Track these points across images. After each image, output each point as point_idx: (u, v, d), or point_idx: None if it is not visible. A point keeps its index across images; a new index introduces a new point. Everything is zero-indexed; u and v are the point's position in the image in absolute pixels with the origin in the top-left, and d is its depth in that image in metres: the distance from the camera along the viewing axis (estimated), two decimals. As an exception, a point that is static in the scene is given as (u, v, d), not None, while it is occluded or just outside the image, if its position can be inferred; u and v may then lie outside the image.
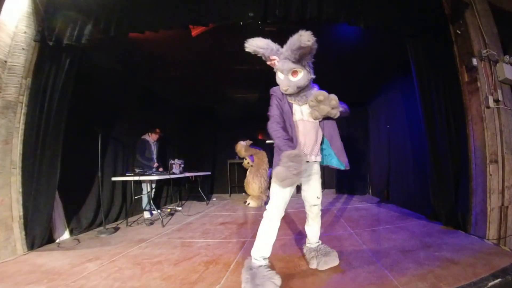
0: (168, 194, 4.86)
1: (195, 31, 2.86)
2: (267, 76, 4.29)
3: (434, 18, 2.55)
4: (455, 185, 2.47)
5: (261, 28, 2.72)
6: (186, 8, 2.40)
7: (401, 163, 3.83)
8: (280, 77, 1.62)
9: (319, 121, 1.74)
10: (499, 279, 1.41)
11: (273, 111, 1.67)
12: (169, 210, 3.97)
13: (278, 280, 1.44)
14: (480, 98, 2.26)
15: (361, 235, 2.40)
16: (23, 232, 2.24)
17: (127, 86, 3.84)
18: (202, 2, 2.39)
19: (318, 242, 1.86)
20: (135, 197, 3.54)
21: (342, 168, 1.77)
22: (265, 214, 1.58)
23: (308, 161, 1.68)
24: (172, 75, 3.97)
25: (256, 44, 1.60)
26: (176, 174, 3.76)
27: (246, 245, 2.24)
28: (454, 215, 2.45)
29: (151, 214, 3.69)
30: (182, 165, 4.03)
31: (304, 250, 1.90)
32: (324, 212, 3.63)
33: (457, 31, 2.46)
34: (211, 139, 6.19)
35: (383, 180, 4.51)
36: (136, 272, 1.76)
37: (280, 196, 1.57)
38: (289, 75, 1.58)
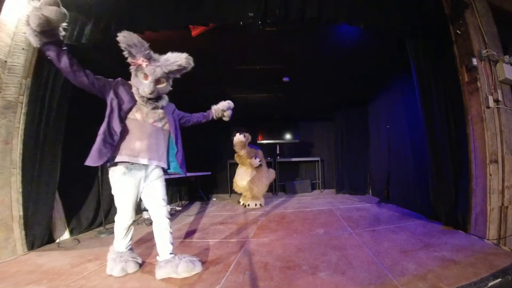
0: (168, 194, 4.85)
1: (195, 31, 2.86)
2: (267, 76, 4.30)
3: (434, 18, 2.55)
4: (455, 185, 2.47)
5: (261, 28, 2.73)
6: (186, 8, 2.40)
7: (401, 163, 3.83)
8: (143, 80, 1.65)
9: (171, 129, 1.85)
10: (499, 279, 1.41)
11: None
12: (169, 210, 3.97)
13: (139, 259, 1.82)
14: (480, 98, 2.26)
15: (361, 235, 2.40)
16: (23, 232, 2.24)
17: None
18: (202, 2, 2.39)
19: (172, 254, 1.73)
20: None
21: (181, 174, 1.96)
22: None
23: (147, 164, 1.73)
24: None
25: (131, 40, 1.57)
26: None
27: (246, 245, 2.24)
28: (454, 215, 2.45)
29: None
30: (182, 165, 4.02)
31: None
32: (324, 212, 3.63)
33: (457, 31, 2.46)
34: (211, 139, 6.19)
35: (383, 180, 4.51)
36: (136, 272, 1.76)
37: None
38: (155, 81, 1.65)
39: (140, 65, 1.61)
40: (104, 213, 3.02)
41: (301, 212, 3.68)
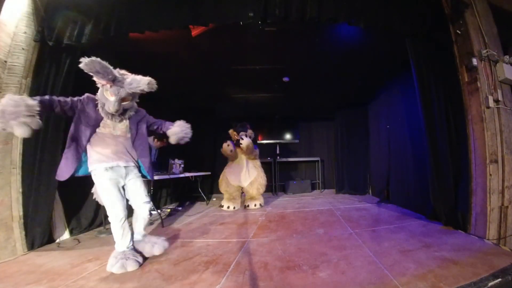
0: (168, 194, 4.86)
1: (195, 31, 2.86)
2: (267, 76, 4.30)
3: (434, 18, 2.55)
4: (455, 185, 2.47)
5: (261, 28, 2.73)
6: (186, 8, 2.41)
7: (401, 163, 3.83)
8: (110, 98, 1.77)
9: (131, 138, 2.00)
10: (499, 279, 1.41)
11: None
12: (169, 210, 3.97)
13: (140, 258, 1.86)
14: (480, 98, 2.26)
15: (361, 235, 2.40)
16: (23, 232, 2.23)
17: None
18: (202, 2, 2.39)
19: (144, 233, 2.09)
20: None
21: (148, 178, 2.13)
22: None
23: (126, 166, 1.93)
24: (172, 75, 3.97)
25: (94, 68, 1.64)
26: (176, 174, 3.76)
27: (246, 245, 2.24)
28: (454, 215, 2.45)
29: (151, 214, 3.68)
30: (182, 165, 4.03)
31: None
32: (324, 212, 3.63)
33: (457, 31, 2.46)
34: (211, 139, 6.19)
35: (383, 180, 4.51)
36: (136, 272, 1.76)
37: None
38: (119, 100, 1.80)
39: (106, 83, 1.75)
40: (104, 213, 3.01)
41: (301, 212, 3.68)
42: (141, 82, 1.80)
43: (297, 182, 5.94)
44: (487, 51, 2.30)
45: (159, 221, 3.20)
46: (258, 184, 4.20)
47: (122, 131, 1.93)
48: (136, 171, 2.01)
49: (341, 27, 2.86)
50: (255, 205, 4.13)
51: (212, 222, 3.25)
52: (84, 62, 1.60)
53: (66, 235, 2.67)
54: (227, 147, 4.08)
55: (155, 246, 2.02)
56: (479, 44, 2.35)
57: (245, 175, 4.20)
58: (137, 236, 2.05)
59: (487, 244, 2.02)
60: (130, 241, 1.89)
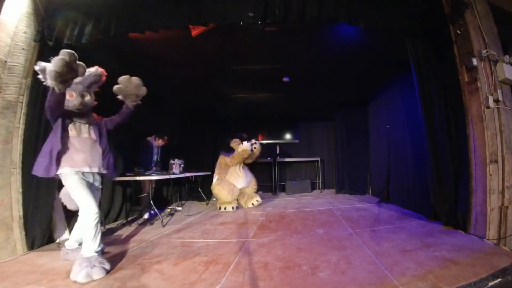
0: (168, 194, 4.85)
1: (195, 31, 2.86)
2: (267, 76, 4.30)
3: (434, 18, 2.55)
4: (455, 185, 2.47)
5: (261, 28, 2.73)
6: (186, 8, 2.40)
7: (401, 163, 3.83)
8: (69, 98, 1.85)
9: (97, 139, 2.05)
10: (499, 279, 1.41)
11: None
12: (169, 210, 3.97)
13: (107, 265, 1.76)
14: (480, 98, 2.26)
15: (361, 235, 2.40)
16: (23, 232, 2.24)
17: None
18: (202, 2, 2.39)
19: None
20: (139, 196, 3.60)
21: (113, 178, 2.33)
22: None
23: (96, 172, 2.01)
24: (172, 75, 3.97)
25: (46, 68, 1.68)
26: (176, 174, 3.76)
27: (246, 245, 2.24)
28: (454, 215, 2.45)
29: (151, 214, 3.69)
30: (182, 165, 4.03)
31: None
32: (324, 212, 3.63)
33: (457, 31, 2.46)
34: (211, 139, 6.18)
35: (383, 180, 4.51)
36: (136, 272, 1.76)
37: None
38: (80, 96, 1.89)
39: None
40: (104, 213, 3.02)
41: (301, 212, 3.68)
42: (91, 70, 1.89)
43: (297, 182, 5.95)
44: (487, 51, 2.30)
45: (159, 221, 3.20)
46: (254, 184, 4.59)
47: (87, 133, 1.99)
48: (98, 183, 2.08)
49: (341, 27, 2.86)
50: (257, 201, 4.39)
51: (212, 222, 3.25)
52: (38, 69, 1.63)
53: (66, 235, 2.67)
54: (250, 146, 4.40)
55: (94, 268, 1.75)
56: (479, 44, 2.35)
57: (244, 177, 4.45)
58: (74, 245, 2.03)
59: (487, 244, 2.02)
60: (99, 245, 1.81)
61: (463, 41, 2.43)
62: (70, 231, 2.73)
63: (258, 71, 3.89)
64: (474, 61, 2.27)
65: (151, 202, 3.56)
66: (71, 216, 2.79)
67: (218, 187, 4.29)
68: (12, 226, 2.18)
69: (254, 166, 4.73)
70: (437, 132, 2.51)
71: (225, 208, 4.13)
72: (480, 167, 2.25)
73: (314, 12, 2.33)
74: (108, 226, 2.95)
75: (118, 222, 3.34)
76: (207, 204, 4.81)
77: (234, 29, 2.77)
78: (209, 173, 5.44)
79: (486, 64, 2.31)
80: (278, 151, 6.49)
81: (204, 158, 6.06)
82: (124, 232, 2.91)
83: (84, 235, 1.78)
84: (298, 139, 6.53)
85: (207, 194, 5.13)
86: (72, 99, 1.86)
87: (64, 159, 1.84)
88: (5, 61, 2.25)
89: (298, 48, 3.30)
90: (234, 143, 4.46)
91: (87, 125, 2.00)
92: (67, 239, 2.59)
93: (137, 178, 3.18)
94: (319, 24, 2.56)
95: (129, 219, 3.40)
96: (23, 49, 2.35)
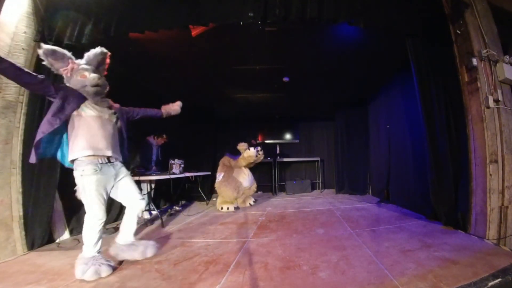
0: (168, 194, 4.85)
1: (195, 31, 2.86)
2: (267, 76, 4.29)
3: (434, 18, 2.55)
4: (455, 185, 2.47)
5: (261, 28, 2.73)
6: (186, 8, 2.41)
7: (401, 163, 3.83)
8: (83, 78, 1.79)
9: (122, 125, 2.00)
10: (499, 279, 1.41)
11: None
12: (169, 210, 3.97)
13: (112, 263, 1.78)
14: (480, 98, 2.26)
15: (361, 235, 2.40)
16: (23, 232, 2.24)
17: (127, 86, 3.83)
18: (202, 2, 2.39)
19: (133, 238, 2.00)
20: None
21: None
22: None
23: (113, 164, 1.88)
24: (172, 75, 3.97)
25: (54, 53, 1.72)
26: (176, 174, 3.76)
27: (246, 245, 2.24)
28: (454, 215, 2.45)
29: (151, 214, 3.69)
30: (182, 165, 4.03)
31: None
32: (324, 212, 3.63)
33: (457, 31, 2.46)
34: (211, 139, 6.19)
35: (383, 180, 4.50)
36: (136, 272, 1.76)
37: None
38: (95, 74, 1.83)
39: (72, 68, 1.78)
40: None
41: (301, 212, 3.68)
42: (94, 50, 1.89)
43: (297, 182, 5.95)
44: (487, 51, 2.30)
45: (159, 221, 3.20)
46: (255, 185, 4.66)
47: (109, 114, 1.89)
48: (123, 169, 1.96)
49: (341, 27, 2.86)
50: (253, 201, 4.58)
51: (212, 222, 3.25)
52: (42, 51, 1.66)
53: (66, 235, 2.67)
54: (256, 152, 4.44)
55: (148, 248, 1.98)
56: (479, 44, 2.35)
57: (250, 176, 4.58)
58: (127, 239, 1.97)
59: (487, 244, 2.02)
60: (101, 246, 1.79)
61: (463, 41, 2.43)
62: (70, 231, 2.73)
63: (258, 71, 3.89)
64: (474, 61, 2.27)
65: (151, 202, 3.57)
66: (71, 216, 2.80)
67: (224, 184, 4.32)
68: (12, 226, 2.18)
69: (254, 166, 4.74)
70: (437, 132, 2.51)
71: (227, 208, 4.14)
72: (480, 167, 2.25)
73: (314, 12, 2.34)
74: (108, 226, 2.95)
75: (118, 222, 3.34)
76: (207, 204, 4.81)
77: (234, 29, 2.77)
78: (209, 173, 5.44)
79: (486, 64, 2.31)
80: (278, 151, 6.49)
81: (204, 158, 6.07)
82: (124, 232, 2.91)
83: (86, 238, 1.73)
84: (298, 139, 6.53)
85: (207, 194, 5.13)
86: (86, 79, 1.77)
87: (79, 143, 1.71)
88: (5, 61, 2.24)
89: (298, 48, 3.30)
90: (241, 146, 4.53)
91: (106, 108, 1.90)
92: (67, 239, 2.61)
93: (136, 178, 3.18)
94: (319, 24, 2.56)
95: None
96: (23, 49, 2.35)
